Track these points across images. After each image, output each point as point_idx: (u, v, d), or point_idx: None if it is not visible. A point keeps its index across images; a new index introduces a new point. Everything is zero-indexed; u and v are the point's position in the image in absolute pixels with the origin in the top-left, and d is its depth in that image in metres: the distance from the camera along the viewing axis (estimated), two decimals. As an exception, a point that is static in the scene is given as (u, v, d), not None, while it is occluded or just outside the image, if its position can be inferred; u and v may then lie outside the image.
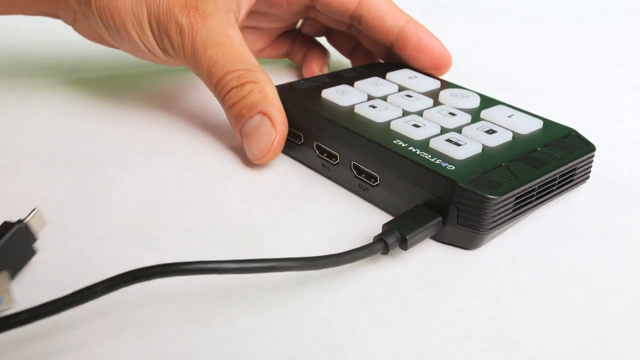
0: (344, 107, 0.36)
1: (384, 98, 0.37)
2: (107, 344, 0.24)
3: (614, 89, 0.51)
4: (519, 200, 0.30)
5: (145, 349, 0.24)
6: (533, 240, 0.31)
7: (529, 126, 0.35)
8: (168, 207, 0.33)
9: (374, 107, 0.35)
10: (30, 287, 0.27)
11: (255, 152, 0.35)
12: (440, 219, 0.30)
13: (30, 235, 0.27)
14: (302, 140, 0.36)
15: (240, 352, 0.24)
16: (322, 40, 0.51)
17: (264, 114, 0.34)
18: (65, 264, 0.28)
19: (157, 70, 0.50)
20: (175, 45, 0.35)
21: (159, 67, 0.50)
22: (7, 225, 0.27)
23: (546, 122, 0.36)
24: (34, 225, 0.27)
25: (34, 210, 0.27)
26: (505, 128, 0.34)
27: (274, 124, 0.34)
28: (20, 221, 0.27)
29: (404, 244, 0.29)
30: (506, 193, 0.29)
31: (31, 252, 0.27)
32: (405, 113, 0.35)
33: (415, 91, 0.38)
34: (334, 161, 0.35)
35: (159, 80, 0.49)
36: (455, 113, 0.35)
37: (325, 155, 0.35)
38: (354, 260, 0.27)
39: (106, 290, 0.23)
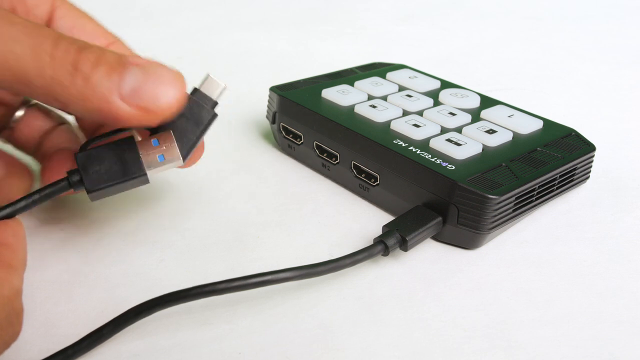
0: (344, 107, 0.36)
1: (384, 98, 0.37)
2: (107, 343, 0.24)
3: (614, 89, 0.51)
4: (519, 200, 0.30)
5: (145, 349, 0.24)
6: (533, 240, 0.31)
7: (529, 126, 0.35)
8: (168, 207, 0.33)
9: (374, 107, 0.35)
10: (31, 285, 0.27)
11: (163, 93, 0.24)
12: (440, 219, 0.30)
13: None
14: (302, 140, 0.36)
15: (240, 352, 0.24)
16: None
17: (138, 63, 0.24)
18: (66, 262, 0.28)
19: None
20: None
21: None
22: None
23: (546, 122, 0.36)
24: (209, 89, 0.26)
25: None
26: (506, 128, 0.34)
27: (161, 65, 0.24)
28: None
29: (404, 245, 0.29)
30: (506, 193, 0.29)
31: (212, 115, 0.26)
32: (405, 113, 0.35)
33: (416, 91, 0.38)
34: (334, 161, 0.35)
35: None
36: (456, 113, 0.35)
37: (325, 155, 0.35)
38: (353, 264, 0.27)
39: (112, 332, 0.24)
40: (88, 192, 0.25)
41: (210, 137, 0.39)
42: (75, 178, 0.25)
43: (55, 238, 0.30)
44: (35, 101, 0.31)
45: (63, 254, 0.29)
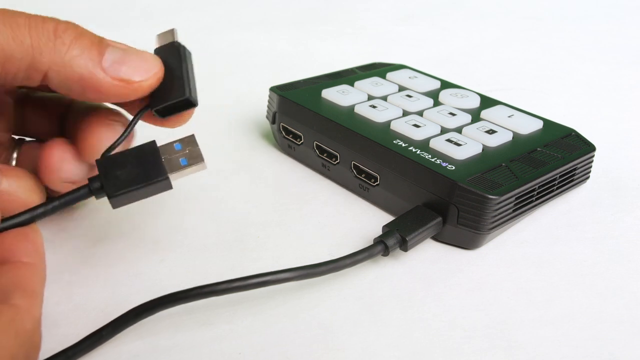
0: (344, 107, 0.36)
1: (384, 98, 0.37)
2: (108, 344, 0.24)
3: (614, 89, 0.51)
4: (519, 200, 0.30)
5: (146, 349, 0.24)
6: (533, 240, 0.31)
7: (529, 126, 0.35)
8: (169, 207, 0.33)
9: (374, 107, 0.35)
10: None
11: (145, 66, 0.25)
12: (440, 219, 0.30)
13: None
14: (302, 140, 0.36)
15: (240, 352, 0.24)
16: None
17: (115, 45, 0.25)
18: (66, 262, 0.28)
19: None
20: None
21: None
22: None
23: (546, 122, 0.36)
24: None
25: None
26: (506, 128, 0.34)
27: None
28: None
29: (404, 246, 0.29)
30: (506, 193, 0.29)
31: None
32: (405, 113, 0.35)
33: (416, 91, 0.38)
34: (334, 161, 0.35)
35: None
36: (456, 113, 0.35)
37: (325, 155, 0.35)
38: (353, 264, 0.27)
39: (112, 333, 0.24)
40: (109, 197, 0.24)
41: (211, 137, 0.40)
42: (96, 185, 0.24)
43: (55, 238, 0.30)
44: (27, 139, 0.30)
45: (63, 254, 0.29)
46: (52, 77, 0.24)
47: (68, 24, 0.24)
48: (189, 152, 0.25)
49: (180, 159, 0.25)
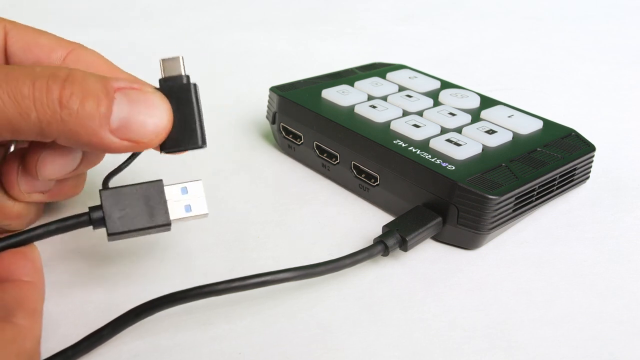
0: (344, 107, 0.36)
1: (384, 98, 0.37)
2: (108, 343, 0.24)
3: (614, 89, 0.51)
4: (519, 200, 0.30)
5: (146, 349, 0.24)
6: (533, 240, 0.31)
7: (529, 126, 0.35)
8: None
9: (374, 107, 0.35)
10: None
11: (154, 125, 0.24)
12: (440, 219, 0.30)
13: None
14: (302, 140, 0.36)
15: (240, 352, 0.24)
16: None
17: (122, 89, 0.24)
18: (66, 263, 0.28)
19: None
20: None
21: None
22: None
23: (546, 122, 0.36)
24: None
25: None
26: (505, 128, 0.34)
27: (144, 88, 0.24)
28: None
29: (404, 246, 0.29)
30: (506, 193, 0.29)
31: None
32: (405, 113, 0.35)
33: (416, 91, 0.38)
34: (334, 161, 0.35)
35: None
36: (456, 113, 0.35)
37: (325, 155, 0.35)
38: (353, 264, 0.27)
39: (112, 333, 0.24)
40: (108, 235, 0.24)
41: (211, 137, 0.39)
42: (97, 215, 0.24)
43: (54, 239, 0.30)
44: None
45: (63, 255, 0.29)
46: (62, 141, 0.23)
47: (73, 84, 0.23)
48: (194, 200, 0.25)
49: (184, 206, 0.25)
